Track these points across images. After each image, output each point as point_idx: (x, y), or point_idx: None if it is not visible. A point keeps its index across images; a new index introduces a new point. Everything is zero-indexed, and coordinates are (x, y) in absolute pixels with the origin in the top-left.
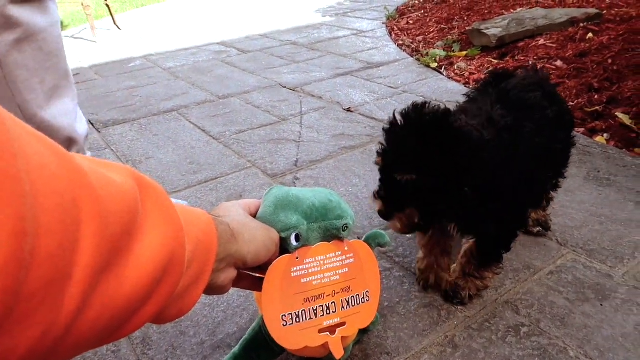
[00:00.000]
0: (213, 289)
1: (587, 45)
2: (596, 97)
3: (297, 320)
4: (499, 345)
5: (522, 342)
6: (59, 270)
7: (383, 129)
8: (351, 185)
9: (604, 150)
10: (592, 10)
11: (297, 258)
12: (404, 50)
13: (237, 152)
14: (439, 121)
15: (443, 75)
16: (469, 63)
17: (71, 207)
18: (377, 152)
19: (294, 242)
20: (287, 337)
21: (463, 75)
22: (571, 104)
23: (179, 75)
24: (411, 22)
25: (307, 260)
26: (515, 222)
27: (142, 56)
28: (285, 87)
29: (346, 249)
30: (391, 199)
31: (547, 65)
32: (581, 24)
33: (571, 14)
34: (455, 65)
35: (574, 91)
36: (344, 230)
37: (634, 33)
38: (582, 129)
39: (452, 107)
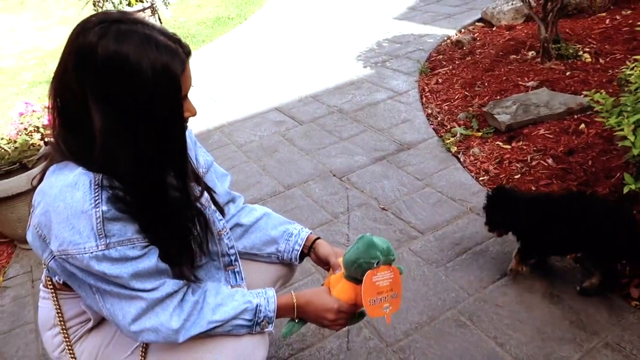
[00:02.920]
0: None
1: (577, 140)
2: None
3: (374, 302)
4: None
5: None
6: None
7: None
8: None
9: (563, 264)
10: (585, 100)
11: (375, 273)
12: (431, 124)
13: None
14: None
15: (460, 162)
16: (481, 148)
17: None
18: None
19: (375, 265)
20: (371, 310)
21: (475, 164)
22: None
23: (250, 156)
24: (440, 81)
25: (379, 274)
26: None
27: (217, 127)
28: (335, 175)
29: (390, 270)
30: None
31: (541, 162)
32: (575, 115)
33: (568, 104)
34: (471, 151)
35: None
36: (393, 260)
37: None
38: None
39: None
